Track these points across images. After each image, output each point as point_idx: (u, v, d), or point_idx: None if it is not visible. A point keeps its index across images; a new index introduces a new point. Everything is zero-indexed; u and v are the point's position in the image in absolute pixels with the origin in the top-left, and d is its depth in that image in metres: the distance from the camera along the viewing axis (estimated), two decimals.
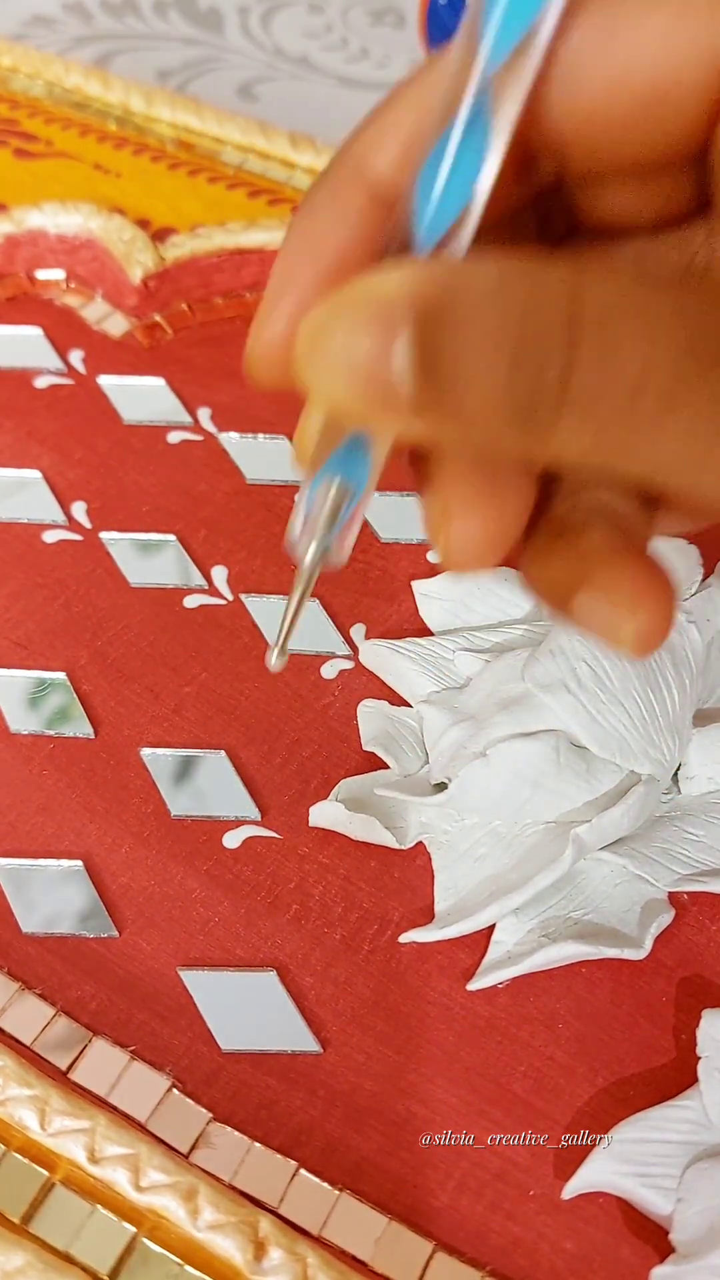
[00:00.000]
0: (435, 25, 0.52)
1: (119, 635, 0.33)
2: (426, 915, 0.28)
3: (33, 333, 0.41)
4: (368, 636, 0.33)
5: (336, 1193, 0.24)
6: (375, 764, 0.30)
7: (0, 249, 0.42)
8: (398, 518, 0.36)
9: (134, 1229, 0.24)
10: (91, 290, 0.42)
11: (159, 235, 0.42)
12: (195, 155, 0.45)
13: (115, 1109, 0.25)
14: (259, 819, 0.30)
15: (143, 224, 0.42)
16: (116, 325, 0.41)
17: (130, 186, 0.44)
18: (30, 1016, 0.26)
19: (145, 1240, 0.23)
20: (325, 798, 0.30)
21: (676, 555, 0.33)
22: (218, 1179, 0.24)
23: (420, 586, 0.34)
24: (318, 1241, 0.24)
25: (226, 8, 0.61)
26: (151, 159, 0.45)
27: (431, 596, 0.34)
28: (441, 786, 0.29)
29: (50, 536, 0.35)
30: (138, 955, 0.27)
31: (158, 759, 0.31)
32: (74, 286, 0.42)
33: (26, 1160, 0.24)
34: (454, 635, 0.32)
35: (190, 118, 0.46)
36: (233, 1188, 0.24)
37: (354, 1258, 0.23)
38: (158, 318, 0.41)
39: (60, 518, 0.36)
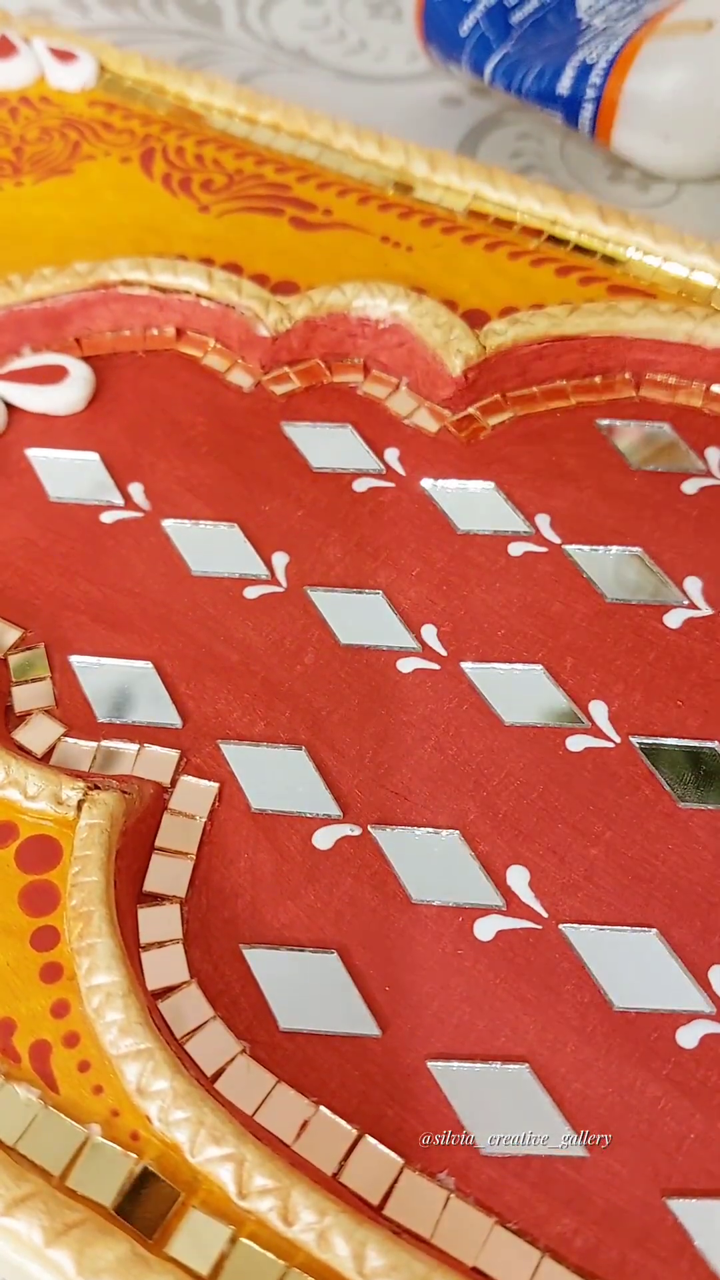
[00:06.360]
0: (431, 18, 0.52)
1: (504, 784, 0.31)
2: None
3: (342, 430, 0.38)
4: None
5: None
6: None
7: (297, 333, 0.39)
8: None
9: None
10: (395, 380, 0.39)
11: (469, 319, 0.39)
12: (489, 226, 0.42)
13: None
14: (713, 1013, 0.27)
15: (450, 305, 0.39)
16: (426, 420, 0.38)
17: (425, 262, 0.41)
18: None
19: None
20: None
21: None
22: None
23: None
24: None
25: (224, 0, 0.60)
26: (443, 230, 0.41)
27: None
28: None
29: (405, 665, 0.33)
30: (614, 1181, 0.25)
31: (579, 933, 0.28)
32: (376, 375, 0.39)
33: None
34: None
35: (482, 184, 0.42)
36: None
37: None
38: (473, 410, 0.38)
39: (413, 644, 0.33)
